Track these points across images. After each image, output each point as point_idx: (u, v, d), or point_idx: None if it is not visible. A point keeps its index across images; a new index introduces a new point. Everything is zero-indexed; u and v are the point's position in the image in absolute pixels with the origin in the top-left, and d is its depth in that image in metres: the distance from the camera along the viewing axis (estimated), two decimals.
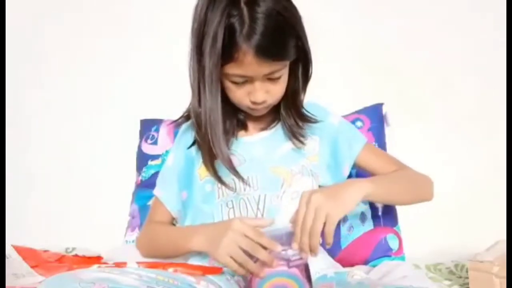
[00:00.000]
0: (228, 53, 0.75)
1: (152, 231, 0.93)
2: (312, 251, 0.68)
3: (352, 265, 0.96)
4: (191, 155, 0.93)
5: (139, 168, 1.25)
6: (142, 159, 1.25)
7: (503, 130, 1.44)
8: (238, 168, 0.85)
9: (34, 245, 0.86)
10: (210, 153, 0.84)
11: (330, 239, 0.70)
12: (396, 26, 1.61)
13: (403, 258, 1.02)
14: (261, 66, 0.76)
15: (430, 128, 1.56)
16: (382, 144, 1.12)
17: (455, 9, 1.60)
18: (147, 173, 1.22)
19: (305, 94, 0.90)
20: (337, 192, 0.73)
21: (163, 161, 1.21)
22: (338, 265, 0.90)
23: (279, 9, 0.74)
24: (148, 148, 1.25)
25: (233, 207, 0.86)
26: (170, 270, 0.72)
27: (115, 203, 1.31)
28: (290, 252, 0.68)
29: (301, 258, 0.68)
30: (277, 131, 0.92)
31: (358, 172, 1.00)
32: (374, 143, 1.11)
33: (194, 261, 0.83)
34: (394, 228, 1.05)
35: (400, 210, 1.09)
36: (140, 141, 1.27)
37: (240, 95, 0.82)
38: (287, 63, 0.82)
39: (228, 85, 0.81)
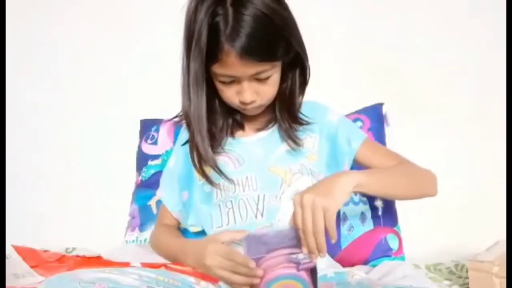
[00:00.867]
0: (213, 53, 0.75)
1: (158, 235, 0.95)
2: (320, 251, 0.67)
3: (352, 265, 0.96)
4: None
5: (139, 168, 1.25)
6: (142, 159, 1.25)
7: (503, 130, 1.43)
8: (238, 169, 0.85)
9: (34, 245, 0.86)
10: (198, 153, 0.84)
11: (333, 234, 0.69)
12: (396, 26, 1.61)
13: (403, 258, 1.02)
14: (246, 66, 0.75)
15: (430, 128, 1.56)
16: (382, 144, 1.12)
17: (455, 9, 1.60)
18: (147, 173, 1.22)
19: (303, 97, 0.90)
20: (327, 186, 0.71)
21: (163, 161, 1.21)
22: (338, 265, 0.91)
23: (266, 11, 0.74)
24: (148, 148, 1.25)
25: (232, 207, 0.86)
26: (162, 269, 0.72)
27: (115, 203, 1.31)
28: (300, 255, 0.68)
29: (310, 262, 0.68)
30: (274, 132, 0.92)
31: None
32: None
33: None
34: (394, 228, 1.05)
35: (400, 210, 1.09)
36: (140, 141, 1.27)
37: (230, 95, 0.82)
38: (277, 64, 0.81)
39: (218, 84, 0.82)
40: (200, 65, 0.76)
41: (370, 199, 1.07)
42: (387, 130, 1.14)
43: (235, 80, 0.79)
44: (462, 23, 1.60)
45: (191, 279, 0.73)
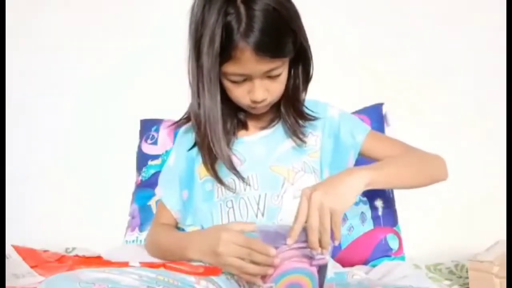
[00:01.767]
0: (226, 52, 0.75)
1: (156, 235, 0.93)
2: (323, 247, 0.67)
3: (352, 265, 0.96)
4: (192, 155, 0.93)
5: (139, 168, 1.25)
6: (142, 159, 1.25)
7: (503, 130, 1.43)
8: (238, 168, 0.85)
9: (34, 245, 0.86)
10: (210, 154, 0.84)
11: (338, 234, 0.68)
12: (396, 26, 1.61)
13: (403, 258, 1.02)
14: (260, 63, 0.76)
15: (430, 128, 1.56)
16: None
17: (455, 9, 1.60)
18: (147, 173, 1.22)
19: (306, 93, 0.90)
20: (337, 185, 0.70)
21: (163, 161, 1.21)
22: (338, 265, 0.90)
23: (275, 6, 0.75)
24: (148, 148, 1.25)
25: (232, 206, 0.86)
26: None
27: (115, 203, 1.31)
28: (315, 251, 0.67)
29: (323, 258, 0.67)
30: (277, 130, 0.92)
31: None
32: None
33: (194, 261, 0.83)
34: (394, 228, 1.05)
35: (400, 210, 1.09)
36: (140, 141, 1.27)
37: (240, 94, 0.82)
38: (286, 60, 0.81)
39: (227, 84, 0.81)
40: (214, 65, 0.76)
41: (370, 199, 1.07)
42: (387, 130, 1.14)
43: (246, 79, 0.79)
44: (461, 23, 1.60)
45: (191, 279, 0.73)
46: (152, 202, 1.19)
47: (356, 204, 1.06)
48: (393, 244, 1.02)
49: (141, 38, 1.69)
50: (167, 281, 0.68)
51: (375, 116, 1.15)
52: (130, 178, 1.27)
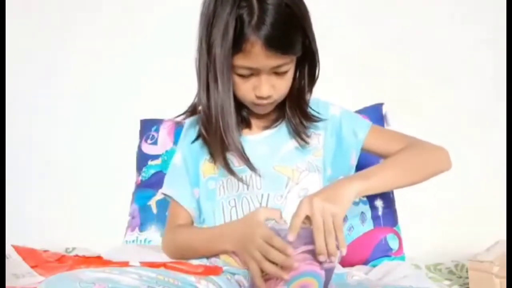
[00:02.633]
0: (236, 44, 0.75)
1: (179, 236, 0.90)
2: (330, 252, 0.66)
3: (352, 265, 0.96)
4: (196, 153, 0.93)
5: (139, 168, 1.25)
6: (142, 159, 1.25)
7: (503, 130, 1.44)
8: (241, 167, 0.85)
9: (34, 245, 0.86)
10: (221, 145, 0.83)
11: (342, 239, 0.68)
12: (396, 26, 1.61)
13: (403, 258, 1.02)
14: (269, 58, 0.76)
15: (430, 128, 1.55)
16: None
17: (455, 9, 1.60)
18: (147, 173, 1.22)
19: (311, 94, 0.90)
20: (333, 194, 0.71)
21: (163, 161, 1.21)
22: (338, 265, 0.90)
23: (288, 2, 0.75)
24: (148, 148, 1.25)
25: (235, 205, 0.86)
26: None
27: (115, 203, 1.31)
28: None
29: (333, 262, 0.67)
30: (281, 130, 0.92)
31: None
32: None
33: (194, 261, 0.83)
34: (394, 228, 1.05)
35: (400, 210, 1.09)
36: (140, 141, 1.27)
37: (246, 90, 0.82)
38: (294, 58, 0.82)
39: (234, 78, 0.81)
40: (227, 57, 0.76)
41: (370, 199, 1.07)
42: None
43: (253, 74, 0.79)
44: (462, 23, 1.60)
45: (192, 278, 0.73)
46: (152, 202, 1.19)
47: (356, 204, 1.06)
48: (393, 244, 1.02)
49: (141, 38, 1.69)
50: (167, 281, 0.68)
51: (375, 116, 1.14)
52: (130, 178, 1.27)
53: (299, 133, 0.89)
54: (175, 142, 1.18)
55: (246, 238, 0.73)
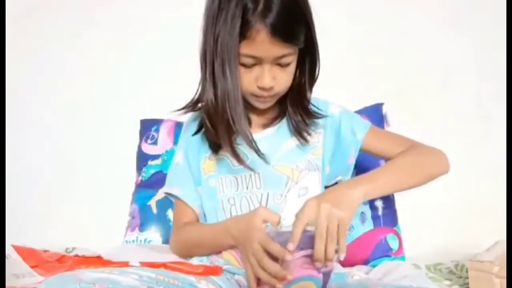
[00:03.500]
0: (241, 32, 0.76)
1: (185, 233, 0.90)
2: (328, 257, 0.66)
3: (352, 265, 0.96)
4: (197, 150, 0.93)
5: (139, 168, 1.25)
6: (142, 159, 1.25)
7: (503, 130, 1.44)
8: (242, 166, 0.85)
9: (34, 245, 0.86)
10: (229, 134, 0.83)
11: (343, 244, 0.68)
12: (396, 26, 1.61)
13: (403, 258, 1.02)
14: (273, 46, 0.76)
15: (430, 128, 1.56)
16: None
17: (455, 9, 1.60)
18: (147, 173, 1.22)
19: (311, 92, 0.90)
20: (341, 198, 0.72)
21: (163, 161, 1.21)
22: (338, 265, 0.90)
23: None
24: (148, 148, 1.25)
25: (234, 204, 0.86)
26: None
27: (115, 203, 1.31)
28: None
29: (331, 266, 0.68)
30: (280, 128, 0.92)
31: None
32: None
33: (194, 261, 0.83)
34: (394, 228, 1.05)
35: (400, 210, 1.09)
36: (140, 141, 1.27)
37: (248, 81, 0.81)
38: (296, 51, 0.82)
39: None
40: (235, 44, 0.76)
41: (370, 199, 1.07)
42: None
43: (256, 64, 0.79)
44: (462, 23, 1.60)
45: (191, 278, 0.73)
46: (152, 202, 1.19)
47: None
48: (393, 244, 1.02)
49: (141, 38, 1.69)
50: (167, 281, 0.68)
51: (375, 116, 1.14)
52: (130, 178, 1.27)
53: (300, 130, 0.89)
54: (175, 142, 1.18)
55: (244, 238, 0.73)
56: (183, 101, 0.90)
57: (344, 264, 0.93)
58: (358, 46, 1.61)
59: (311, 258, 0.67)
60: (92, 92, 1.71)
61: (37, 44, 1.74)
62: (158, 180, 1.16)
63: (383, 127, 1.14)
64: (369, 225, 1.04)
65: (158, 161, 1.23)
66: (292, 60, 0.82)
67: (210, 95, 0.82)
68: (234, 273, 0.79)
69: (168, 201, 1.05)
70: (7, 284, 0.73)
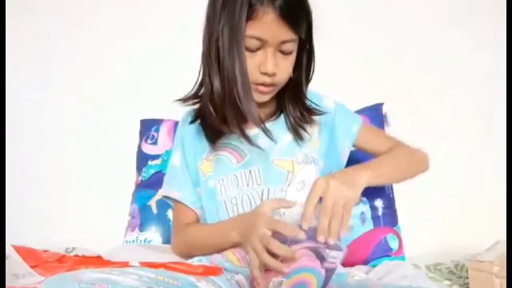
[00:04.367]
0: (248, 13, 0.76)
1: (188, 234, 0.90)
2: (331, 233, 0.68)
3: (352, 265, 0.96)
4: (194, 152, 0.92)
5: (139, 168, 1.25)
6: (142, 159, 1.25)
7: (503, 130, 1.44)
8: (241, 163, 0.85)
9: (34, 245, 0.86)
10: (237, 116, 0.82)
11: (347, 222, 0.70)
12: (396, 26, 1.61)
13: (403, 258, 1.02)
14: (279, 29, 0.77)
15: (430, 128, 1.56)
16: None
17: (455, 9, 1.60)
18: (147, 173, 1.22)
19: (307, 88, 0.90)
20: (349, 179, 0.74)
21: (163, 161, 1.21)
22: (338, 265, 0.90)
23: None
24: (148, 148, 1.25)
25: (236, 203, 0.86)
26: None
27: (115, 203, 1.31)
28: (334, 253, 0.67)
29: (334, 263, 0.68)
30: (277, 123, 0.92)
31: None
32: None
33: (194, 261, 0.83)
34: (394, 228, 1.05)
35: (400, 210, 1.09)
36: (140, 141, 1.27)
37: (251, 67, 0.81)
38: (297, 42, 0.82)
39: None
40: (243, 23, 0.77)
41: (370, 199, 1.07)
42: (387, 130, 1.14)
43: (260, 48, 0.80)
44: (462, 23, 1.60)
45: (191, 278, 0.73)
46: (152, 202, 1.19)
47: (356, 204, 1.06)
48: (393, 244, 1.02)
49: (141, 38, 1.69)
50: (167, 281, 0.68)
51: (375, 116, 1.15)
52: (130, 178, 1.27)
53: (297, 125, 0.89)
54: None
55: (250, 228, 0.74)
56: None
57: (344, 264, 0.93)
58: (358, 47, 1.60)
59: (315, 251, 0.67)
60: (92, 92, 1.71)
61: (37, 44, 1.74)
62: (158, 180, 1.16)
63: (383, 127, 1.14)
64: (369, 225, 1.04)
65: (158, 161, 1.23)
66: (293, 49, 0.83)
67: (216, 80, 0.82)
68: (233, 271, 0.79)
69: (168, 201, 1.05)
70: (7, 284, 0.73)
